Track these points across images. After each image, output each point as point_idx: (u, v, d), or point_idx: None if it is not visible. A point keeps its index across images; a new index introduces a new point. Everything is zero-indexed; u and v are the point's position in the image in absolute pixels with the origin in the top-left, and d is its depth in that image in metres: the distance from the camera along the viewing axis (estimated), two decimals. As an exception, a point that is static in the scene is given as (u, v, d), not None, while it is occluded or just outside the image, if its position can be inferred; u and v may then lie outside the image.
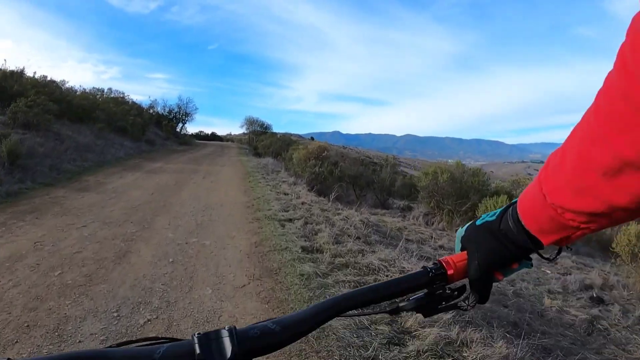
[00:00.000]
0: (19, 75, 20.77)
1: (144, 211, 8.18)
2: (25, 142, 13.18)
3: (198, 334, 0.65)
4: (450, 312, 3.49)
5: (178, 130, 45.18)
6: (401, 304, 0.82)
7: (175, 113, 46.73)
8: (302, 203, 10.14)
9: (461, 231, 0.86)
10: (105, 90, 32.45)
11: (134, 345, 0.69)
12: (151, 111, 42.08)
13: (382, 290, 0.79)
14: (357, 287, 1.01)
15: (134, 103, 36.70)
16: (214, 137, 69.40)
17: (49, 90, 20.12)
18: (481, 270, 0.78)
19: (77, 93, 25.26)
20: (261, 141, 39.26)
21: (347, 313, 0.76)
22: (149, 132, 31.47)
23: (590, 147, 0.55)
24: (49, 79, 22.74)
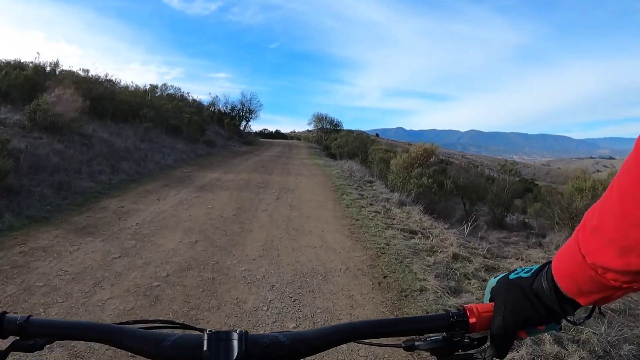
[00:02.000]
0: (53, 68, 17.31)
1: (167, 302, 3.86)
2: (37, 149, 9.65)
3: (209, 330, 0.68)
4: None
5: (242, 128, 41.36)
6: (417, 342, 0.79)
7: (239, 110, 42.97)
8: (449, 245, 6.36)
9: (493, 281, 0.83)
10: (160, 86, 28.78)
11: (149, 325, 0.78)
12: (212, 109, 38.85)
13: (400, 325, 0.78)
14: None
15: (194, 100, 33.63)
16: (278, 135, 67.14)
17: (89, 86, 16.61)
18: (505, 327, 0.74)
19: (129, 89, 21.77)
20: (333, 140, 34.97)
21: (361, 341, 0.77)
22: (209, 132, 28.08)
23: (634, 203, 0.52)
24: (93, 73, 19.19)
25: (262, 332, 1.65)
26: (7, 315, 0.70)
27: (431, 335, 0.80)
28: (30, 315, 0.70)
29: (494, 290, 0.81)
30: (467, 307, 0.80)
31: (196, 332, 0.71)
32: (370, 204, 9.30)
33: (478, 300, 3.89)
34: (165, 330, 0.74)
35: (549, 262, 0.72)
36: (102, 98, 17.35)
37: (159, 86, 28.94)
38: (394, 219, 8.00)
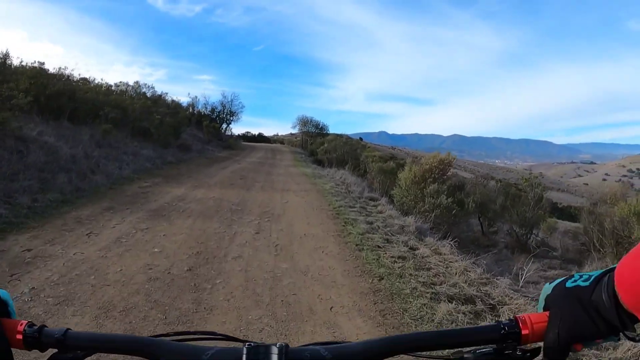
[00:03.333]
0: (2, 60, 14.59)
1: None
2: None
3: (249, 344, 0.67)
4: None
5: (223, 131, 38.71)
6: (466, 355, 0.75)
7: (219, 112, 40.21)
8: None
9: (548, 288, 0.77)
10: (132, 84, 26.01)
11: (188, 337, 0.79)
12: (192, 110, 36.42)
13: (449, 337, 0.75)
14: None
15: (173, 101, 31.16)
16: (261, 138, 65.37)
17: (43, 81, 14.41)
18: (560, 341, 0.70)
19: (88, 85, 19.02)
20: (319, 144, 32.43)
21: (408, 354, 0.74)
22: (185, 135, 25.37)
23: None
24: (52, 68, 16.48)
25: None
26: (45, 328, 0.71)
27: (481, 347, 0.75)
28: (68, 329, 0.71)
29: (549, 299, 0.75)
30: (519, 317, 0.74)
31: (236, 345, 0.71)
32: (387, 241, 6.72)
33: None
34: (205, 343, 0.73)
35: (611, 270, 0.67)
36: (58, 95, 14.79)
37: (129, 84, 26.20)
38: (429, 269, 5.45)
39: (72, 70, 18.28)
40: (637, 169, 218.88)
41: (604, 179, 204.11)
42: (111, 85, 21.53)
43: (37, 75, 14.62)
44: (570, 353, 0.72)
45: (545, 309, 0.76)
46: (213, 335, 0.81)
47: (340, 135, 35.08)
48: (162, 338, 0.71)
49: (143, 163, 13.65)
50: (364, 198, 11.32)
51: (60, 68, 17.38)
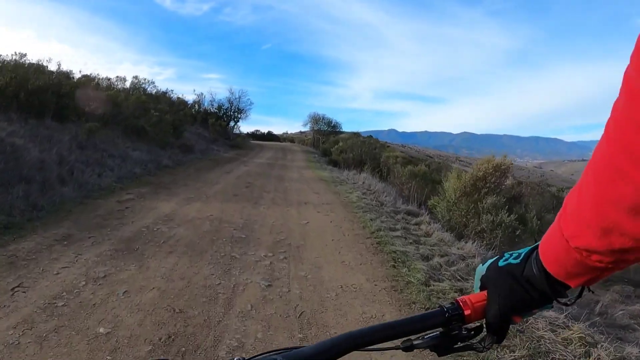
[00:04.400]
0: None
1: None
2: None
3: None
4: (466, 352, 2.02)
5: (231, 129, 36.58)
6: (415, 342, 0.79)
7: (226, 109, 38.04)
8: None
9: (482, 268, 0.83)
10: (130, 79, 23.99)
11: None
12: (198, 108, 34.57)
13: (397, 328, 0.78)
14: None
15: (178, 99, 29.50)
16: (270, 136, 63.99)
17: (23, 75, 12.65)
18: (501, 315, 0.76)
19: (74, 80, 16.86)
20: (333, 143, 30.06)
21: (360, 350, 0.76)
22: (188, 134, 23.44)
23: (609, 183, 0.52)
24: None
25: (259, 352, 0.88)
26: None
27: (428, 332, 0.79)
28: (243, 357, 0.75)
29: (484, 278, 0.81)
30: (460, 300, 0.79)
31: None
32: (462, 291, 4.44)
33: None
34: None
35: (536, 247, 0.72)
36: (41, 91, 12.84)
37: (127, 79, 24.12)
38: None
39: (59, 63, 16.24)
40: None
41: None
42: (103, 79, 19.09)
43: (16, 68, 12.72)
44: (510, 326, 0.78)
45: (482, 289, 0.81)
46: None
47: (357, 134, 32.65)
48: None
49: (131, 168, 11.44)
50: (401, 212, 9.07)
51: (44, 60, 15.36)
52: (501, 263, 0.78)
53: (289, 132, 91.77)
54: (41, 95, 12.88)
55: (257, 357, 0.71)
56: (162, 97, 25.98)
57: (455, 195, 8.89)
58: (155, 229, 6.15)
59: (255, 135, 58.55)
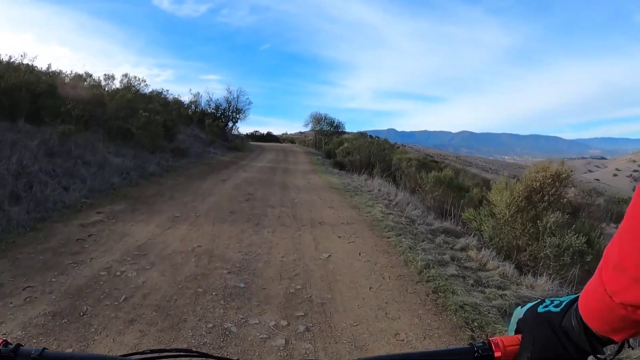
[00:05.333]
0: None
1: None
2: None
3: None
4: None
5: (229, 130, 34.90)
6: None
7: (224, 110, 36.23)
8: None
9: (519, 312, 0.78)
10: (119, 78, 22.22)
11: (164, 354, 0.76)
12: (193, 108, 32.65)
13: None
14: None
15: (175, 99, 28.57)
16: (269, 137, 62.76)
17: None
18: None
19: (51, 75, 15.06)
20: (338, 144, 28.21)
21: None
22: (183, 136, 21.90)
23: None
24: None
25: None
26: (21, 347, 0.70)
27: None
28: (44, 349, 0.69)
29: (521, 322, 0.76)
30: (492, 340, 0.75)
31: None
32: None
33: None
34: None
35: (578, 298, 0.68)
36: (14, 90, 11.61)
37: (115, 77, 22.29)
38: None
39: (34, 59, 14.41)
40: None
41: (615, 175, 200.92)
42: (85, 75, 17.26)
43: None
44: None
45: (517, 332, 0.76)
46: (188, 353, 0.76)
47: (364, 134, 30.74)
48: (136, 357, 0.70)
49: (109, 178, 9.63)
50: (439, 232, 7.29)
51: (18, 56, 13.62)
52: (540, 309, 0.73)
53: (288, 133, 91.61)
54: (13, 94, 11.29)
55: None
56: (156, 97, 24.28)
57: (509, 211, 7.07)
58: (118, 273, 4.35)
59: (255, 136, 57.62)
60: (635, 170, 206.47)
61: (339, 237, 6.44)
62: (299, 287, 4.35)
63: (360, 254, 5.63)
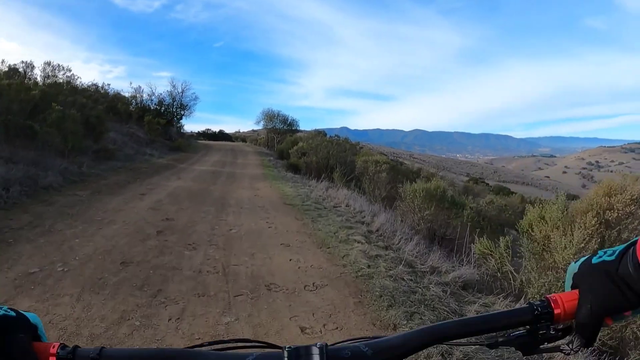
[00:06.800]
0: None
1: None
2: None
3: (289, 347, 0.66)
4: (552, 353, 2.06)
5: (175, 128, 31.93)
6: (500, 339, 0.74)
7: (167, 105, 32.96)
8: None
9: (574, 266, 0.75)
10: (41, 67, 19.19)
11: (225, 345, 0.75)
12: (134, 102, 29.93)
13: (482, 323, 0.73)
14: None
15: (117, 93, 27.85)
16: (222, 135, 61.08)
17: None
18: (592, 316, 0.69)
19: None
20: (292, 143, 25.29)
21: (445, 343, 0.73)
22: (115, 134, 19.09)
23: None
24: None
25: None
26: (79, 349, 0.68)
27: (514, 330, 0.74)
28: (103, 347, 0.68)
29: (576, 276, 0.73)
30: (550, 297, 0.73)
31: (275, 350, 0.69)
32: None
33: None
34: (243, 350, 0.72)
35: (634, 242, 0.66)
36: None
37: (35, 65, 19.09)
38: None
39: None
40: (596, 162, 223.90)
41: (564, 172, 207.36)
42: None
43: None
44: (601, 328, 0.71)
45: (573, 287, 0.74)
46: (247, 342, 0.76)
47: (321, 132, 27.76)
48: (201, 349, 0.69)
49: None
50: (456, 286, 4.62)
51: None
52: (595, 260, 0.70)
53: (241, 131, 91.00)
54: None
55: (340, 344, 0.68)
56: (84, 90, 21.33)
57: (576, 245, 4.40)
58: None
59: (206, 135, 56.33)
60: (583, 168, 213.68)
61: (304, 328, 3.57)
62: None
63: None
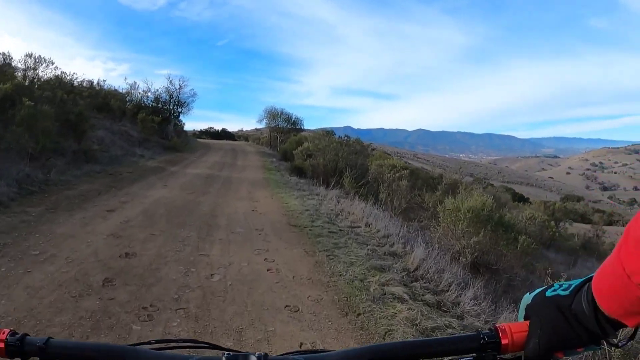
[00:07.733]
0: None
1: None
2: None
3: (227, 353, 0.66)
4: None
5: (173, 126, 30.19)
6: None
7: (164, 102, 31.15)
8: None
9: (527, 298, 0.74)
10: (21, 59, 17.45)
11: (170, 345, 0.77)
12: (129, 99, 28.18)
13: (427, 347, 0.71)
14: None
15: (114, 89, 26.39)
16: (225, 134, 59.38)
17: None
18: (541, 350, 0.68)
19: None
20: (296, 143, 23.34)
21: None
22: (103, 132, 17.66)
23: None
24: None
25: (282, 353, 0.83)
26: (28, 337, 0.69)
27: (460, 357, 0.73)
28: (50, 338, 0.69)
29: (529, 308, 0.73)
30: (499, 326, 0.72)
31: (214, 354, 0.69)
32: None
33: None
34: (185, 351, 0.72)
35: (589, 279, 0.65)
36: None
37: (13, 57, 17.26)
38: None
39: None
40: (600, 163, 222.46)
41: (568, 173, 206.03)
42: None
43: None
44: None
45: (525, 318, 0.73)
46: (194, 343, 0.77)
47: (329, 132, 25.64)
48: (143, 347, 0.69)
49: None
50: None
51: None
52: (549, 293, 0.70)
53: (244, 129, 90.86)
54: None
55: (281, 356, 0.67)
56: (67, 84, 19.46)
57: None
58: None
59: (209, 133, 55.47)
60: (587, 169, 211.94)
61: None
62: None
63: None
